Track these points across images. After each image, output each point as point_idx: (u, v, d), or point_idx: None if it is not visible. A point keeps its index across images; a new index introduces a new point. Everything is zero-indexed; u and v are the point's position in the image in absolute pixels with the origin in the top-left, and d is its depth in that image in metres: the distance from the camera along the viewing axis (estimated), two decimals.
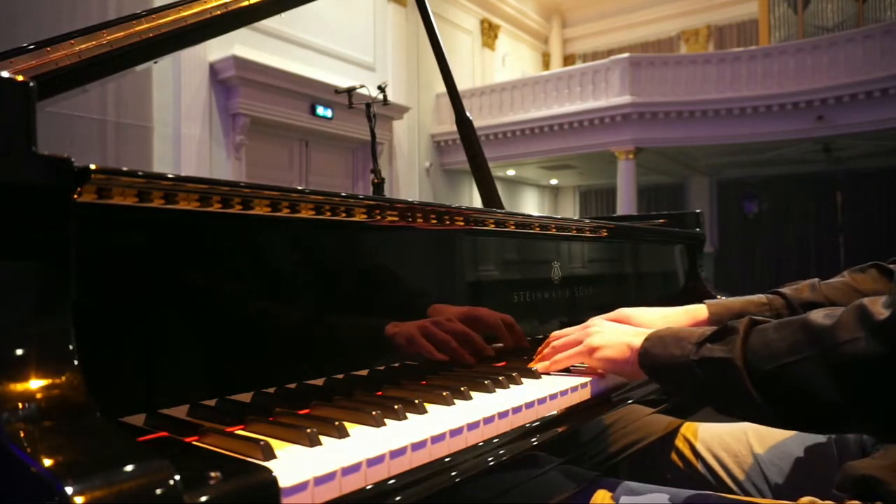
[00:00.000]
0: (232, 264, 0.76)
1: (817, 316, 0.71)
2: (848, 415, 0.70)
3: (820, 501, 0.83)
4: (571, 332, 1.00)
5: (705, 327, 0.83)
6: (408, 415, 0.71)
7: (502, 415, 0.74)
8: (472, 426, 0.69)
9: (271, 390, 0.77)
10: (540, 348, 1.03)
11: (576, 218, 1.61)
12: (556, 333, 1.03)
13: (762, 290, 1.11)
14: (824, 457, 1.05)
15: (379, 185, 3.33)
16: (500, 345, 1.11)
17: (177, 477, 0.43)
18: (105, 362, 0.60)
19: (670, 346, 0.84)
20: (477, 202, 1.77)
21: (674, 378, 0.84)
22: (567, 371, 0.99)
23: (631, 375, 0.93)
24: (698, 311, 1.11)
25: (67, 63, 0.98)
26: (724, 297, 1.24)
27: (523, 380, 0.91)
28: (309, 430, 0.60)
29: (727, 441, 1.14)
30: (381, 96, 3.51)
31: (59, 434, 0.47)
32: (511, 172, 11.72)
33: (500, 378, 0.88)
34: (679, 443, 1.18)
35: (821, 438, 1.07)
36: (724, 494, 0.89)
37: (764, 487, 1.07)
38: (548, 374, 0.97)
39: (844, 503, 0.81)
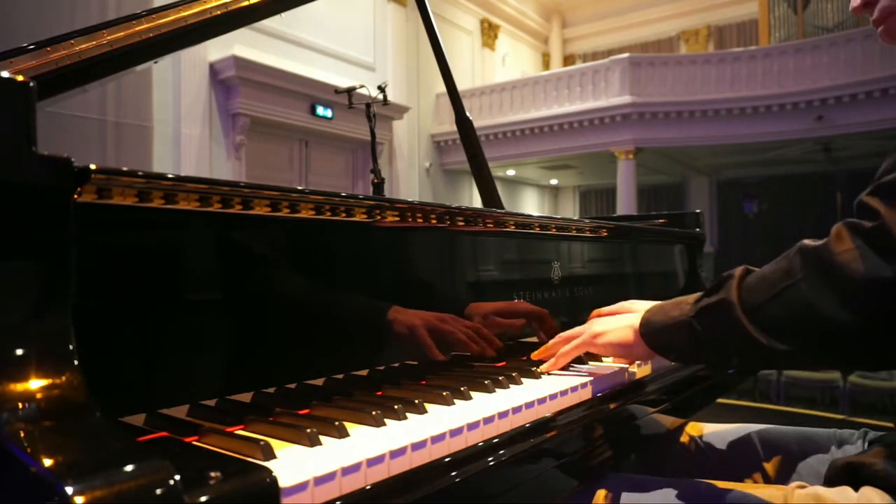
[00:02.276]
0: (232, 264, 0.76)
1: (808, 241, 0.73)
2: (848, 329, 0.68)
3: (807, 485, 0.83)
4: (574, 331, 1.02)
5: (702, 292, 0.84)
6: (408, 415, 0.71)
7: (502, 415, 0.74)
8: (472, 426, 0.69)
9: (271, 390, 0.77)
10: (544, 346, 1.04)
11: (576, 218, 1.61)
12: (561, 338, 1.04)
13: None
14: (825, 457, 1.05)
15: (379, 185, 3.33)
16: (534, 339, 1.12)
17: (177, 477, 0.43)
18: (105, 362, 0.60)
19: (670, 310, 0.86)
20: (477, 202, 1.77)
21: (674, 340, 0.85)
22: (568, 370, 0.99)
23: (636, 355, 0.95)
24: None
25: (67, 63, 0.98)
26: None
27: (523, 380, 0.91)
28: (309, 430, 0.60)
29: (730, 440, 1.14)
30: (381, 96, 3.51)
31: (59, 434, 0.47)
32: (511, 172, 11.71)
33: (500, 378, 0.88)
34: (683, 442, 1.18)
35: (822, 438, 1.07)
36: (720, 483, 0.89)
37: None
38: (549, 373, 0.97)
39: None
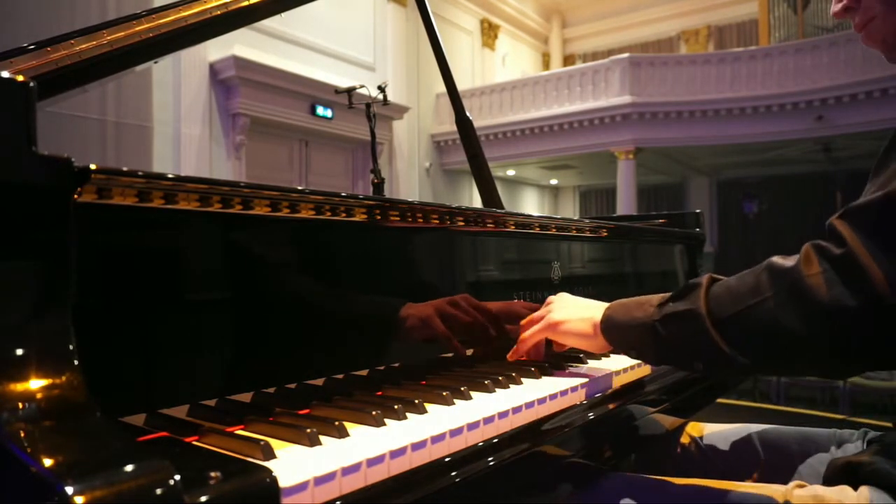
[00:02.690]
0: (232, 264, 0.76)
1: (778, 259, 0.74)
2: (808, 349, 0.71)
3: (807, 485, 0.83)
4: (536, 311, 1.03)
5: (665, 294, 0.86)
6: (408, 415, 0.71)
7: (502, 415, 0.74)
8: (472, 426, 0.69)
9: (271, 390, 0.77)
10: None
11: (576, 218, 1.61)
12: (524, 321, 1.05)
13: None
14: (825, 457, 1.05)
15: (379, 185, 3.33)
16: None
17: (177, 477, 0.43)
18: (105, 362, 0.60)
19: (633, 310, 0.87)
20: (477, 202, 1.77)
21: (636, 341, 0.87)
22: (567, 371, 0.99)
23: (595, 347, 0.95)
24: None
25: (67, 63, 0.98)
26: None
27: (523, 380, 0.91)
28: (309, 430, 0.60)
29: (730, 440, 1.14)
30: (381, 96, 3.51)
31: (59, 434, 0.47)
32: (511, 172, 11.71)
33: (500, 378, 0.88)
34: (683, 442, 1.18)
35: (822, 438, 1.07)
36: (719, 483, 0.89)
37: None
38: (525, 363, 0.99)
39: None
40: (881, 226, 0.67)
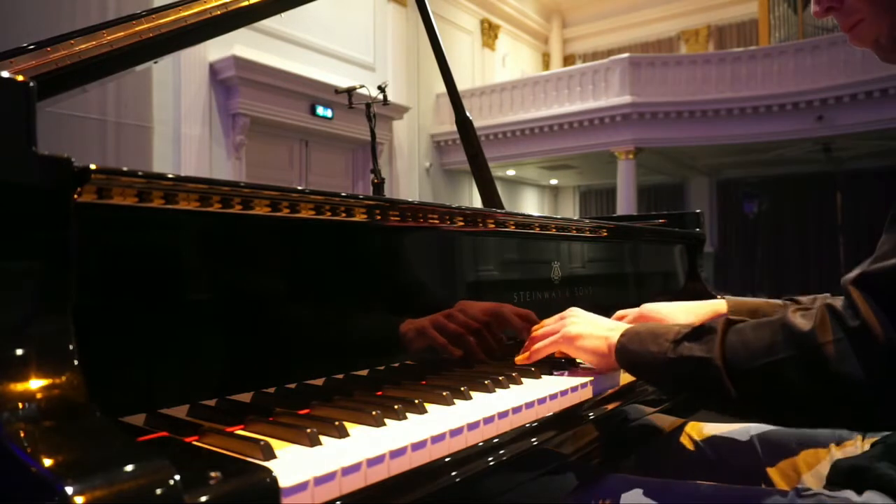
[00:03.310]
0: (232, 264, 0.76)
1: (795, 318, 0.73)
2: (822, 411, 0.74)
3: (811, 488, 0.83)
4: (549, 321, 1.04)
5: (681, 325, 0.86)
6: (408, 415, 0.71)
7: (502, 415, 0.74)
8: (473, 426, 0.69)
9: (271, 390, 0.77)
10: (525, 345, 1.04)
11: (576, 218, 1.61)
12: (536, 327, 1.06)
13: (762, 290, 1.14)
14: (824, 455, 1.05)
15: (379, 185, 3.33)
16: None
17: (177, 477, 0.43)
18: (105, 362, 0.60)
19: (647, 342, 0.87)
20: (477, 202, 1.77)
21: (651, 374, 0.89)
22: (567, 371, 0.99)
23: (607, 368, 0.96)
24: (718, 305, 1.18)
25: (67, 63, 0.98)
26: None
27: (523, 380, 0.91)
28: (309, 430, 0.60)
29: (731, 440, 1.14)
30: (381, 96, 3.51)
31: (59, 434, 0.47)
32: (511, 172, 11.71)
33: (500, 378, 0.88)
34: (683, 441, 1.18)
35: (821, 437, 1.07)
36: (720, 484, 0.89)
37: (765, 483, 1.07)
38: (525, 365, 0.99)
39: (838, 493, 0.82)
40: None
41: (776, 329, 0.74)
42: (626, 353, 0.89)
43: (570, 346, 0.97)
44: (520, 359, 1.01)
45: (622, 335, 0.91)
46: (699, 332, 0.81)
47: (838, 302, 0.71)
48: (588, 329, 0.97)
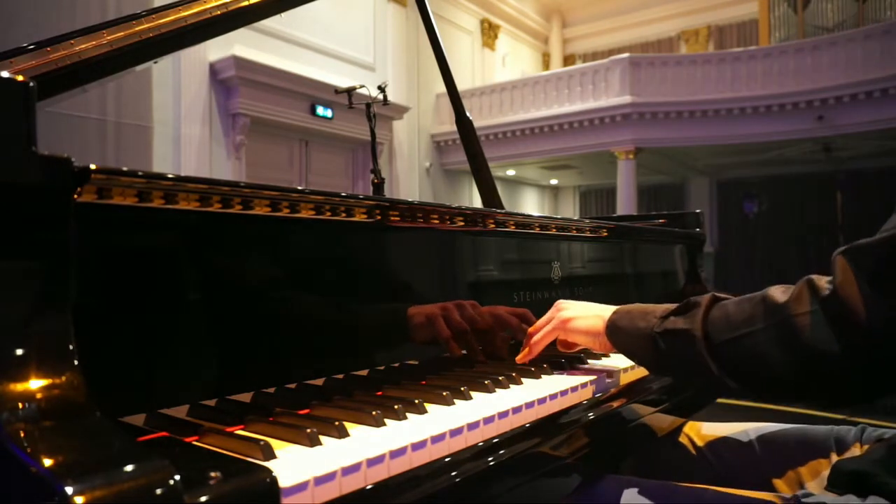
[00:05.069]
0: (232, 264, 0.76)
1: (775, 291, 0.75)
2: (796, 383, 0.74)
3: (813, 493, 0.83)
4: (543, 319, 1.04)
5: (669, 305, 0.87)
6: (408, 415, 0.71)
7: (502, 415, 0.74)
8: (473, 426, 0.69)
9: (271, 390, 0.77)
10: (524, 343, 1.05)
11: (576, 218, 1.61)
12: (532, 329, 1.06)
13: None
14: (823, 455, 1.05)
15: (379, 185, 3.33)
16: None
17: (177, 477, 0.43)
18: (105, 362, 0.60)
19: (637, 318, 0.89)
20: (477, 202, 1.77)
21: (637, 349, 0.90)
22: (567, 370, 0.99)
23: (602, 346, 0.97)
24: None
25: (67, 63, 0.98)
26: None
27: (523, 380, 0.91)
28: (309, 430, 0.60)
29: (730, 440, 1.14)
30: (381, 96, 3.51)
31: (59, 434, 0.47)
32: (511, 172, 11.71)
33: (501, 378, 0.88)
34: (682, 441, 1.18)
35: (820, 437, 1.07)
36: (722, 489, 0.89)
37: (764, 483, 1.07)
38: (526, 363, 0.99)
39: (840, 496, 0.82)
40: (881, 267, 0.66)
41: (756, 302, 0.76)
42: (616, 329, 0.92)
43: (566, 329, 0.99)
44: (520, 357, 1.02)
45: (614, 313, 0.94)
46: (686, 306, 0.83)
47: (824, 278, 0.71)
48: (581, 311, 0.99)
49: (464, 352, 1.04)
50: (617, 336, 0.92)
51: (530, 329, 1.04)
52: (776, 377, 0.74)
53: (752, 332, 0.74)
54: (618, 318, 0.92)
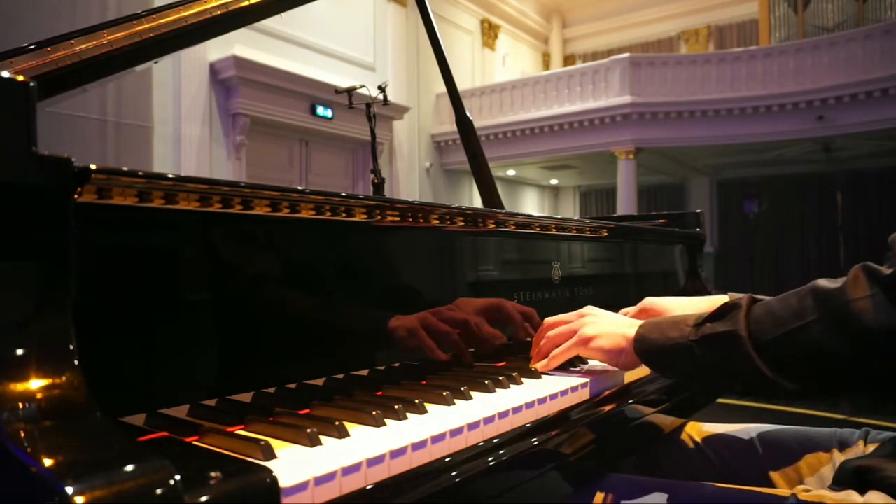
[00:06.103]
0: (232, 264, 0.76)
1: (824, 282, 0.72)
2: (856, 373, 0.71)
3: (814, 489, 0.83)
4: (565, 319, 1.01)
5: (700, 312, 0.84)
6: (408, 415, 0.71)
7: (502, 415, 0.74)
8: (473, 426, 0.69)
9: (271, 390, 0.77)
10: (535, 339, 1.03)
11: (576, 218, 1.61)
12: (548, 320, 1.03)
13: (762, 290, 1.12)
14: (826, 453, 1.05)
15: (379, 185, 3.33)
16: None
17: (177, 477, 0.43)
18: (105, 362, 0.60)
19: (667, 330, 0.85)
20: (477, 202, 1.77)
21: (671, 361, 0.85)
22: (567, 370, 0.99)
23: (625, 365, 0.94)
24: (720, 300, 1.14)
25: (67, 63, 0.98)
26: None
27: (524, 380, 0.91)
28: (309, 430, 0.60)
29: (731, 440, 1.14)
30: (381, 96, 3.51)
31: (59, 434, 0.47)
32: (511, 172, 11.71)
33: (501, 378, 0.88)
34: (683, 440, 1.18)
35: (823, 438, 1.07)
36: (721, 485, 0.89)
37: (766, 484, 1.07)
38: (547, 372, 0.97)
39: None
40: None
41: (804, 295, 0.73)
42: (646, 343, 0.87)
43: (587, 347, 0.94)
44: (541, 366, 0.97)
45: (641, 327, 0.90)
46: (722, 310, 0.80)
47: (878, 266, 0.69)
48: (605, 328, 0.94)
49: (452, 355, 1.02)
50: (647, 351, 0.88)
51: (549, 333, 0.99)
52: (837, 369, 0.71)
53: (804, 325, 0.71)
54: (646, 331, 0.88)
